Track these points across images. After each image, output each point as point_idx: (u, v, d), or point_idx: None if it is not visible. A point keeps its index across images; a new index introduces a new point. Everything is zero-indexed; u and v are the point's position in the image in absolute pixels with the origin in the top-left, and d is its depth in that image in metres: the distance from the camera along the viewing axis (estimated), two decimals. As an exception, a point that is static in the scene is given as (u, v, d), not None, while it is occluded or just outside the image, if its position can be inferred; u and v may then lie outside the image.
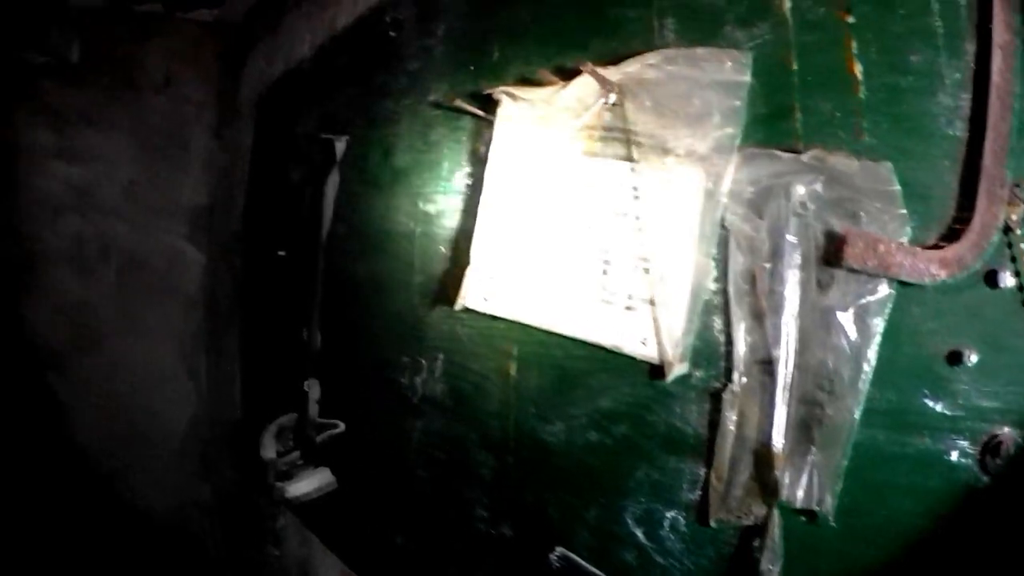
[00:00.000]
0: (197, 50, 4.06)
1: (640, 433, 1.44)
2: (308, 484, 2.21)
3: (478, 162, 1.74)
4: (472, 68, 1.82)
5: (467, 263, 1.66)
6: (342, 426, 2.25)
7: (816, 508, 1.16)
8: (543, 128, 1.53)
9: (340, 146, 2.27)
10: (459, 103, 1.71)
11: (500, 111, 1.59)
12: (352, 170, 2.28)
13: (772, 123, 1.24)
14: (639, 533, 1.44)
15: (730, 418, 1.29)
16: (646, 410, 1.43)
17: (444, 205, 1.86)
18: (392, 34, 2.15)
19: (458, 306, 1.63)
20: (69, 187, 3.83)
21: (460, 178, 1.82)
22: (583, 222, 1.48)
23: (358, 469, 2.23)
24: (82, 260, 3.86)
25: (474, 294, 1.63)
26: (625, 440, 1.47)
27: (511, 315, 1.59)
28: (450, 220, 1.84)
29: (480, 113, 1.69)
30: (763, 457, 1.24)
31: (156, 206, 3.99)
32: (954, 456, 1.03)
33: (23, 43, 3.70)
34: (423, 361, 1.95)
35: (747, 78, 1.27)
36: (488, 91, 1.61)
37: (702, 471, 1.34)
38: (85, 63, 3.82)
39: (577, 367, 1.55)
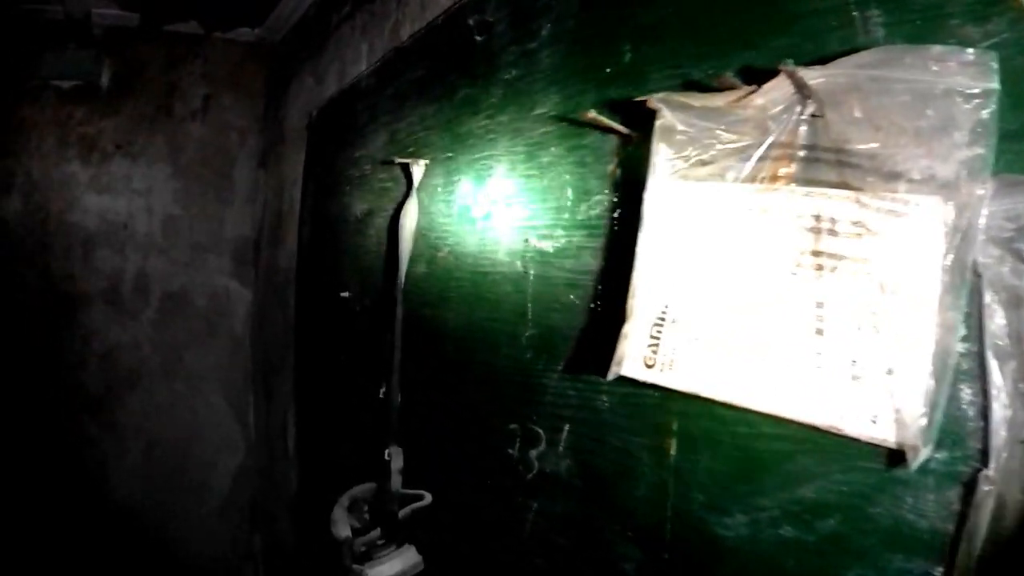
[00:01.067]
0: (237, 72, 3.78)
1: (855, 528, 1.12)
2: (391, 567, 1.88)
3: (614, 187, 1.42)
4: (594, 74, 1.48)
5: (610, 317, 1.33)
6: (429, 498, 1.92)
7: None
8: (719, 145, 1.20)
9: (418, 171, 1.95)
10: (596, 117, 1.37)
11: (659, 124, 1.25)
12: (434, 199, 1.95)
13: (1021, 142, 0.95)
14: None
15: (983, 510, 1.00)
16: (865, 501, 1.11)
17: (566, 242, 1.53)
18: (478, 38, 1.83)
19: (611, 375, 1.29)
20: (103, 221, 3.54)
21: (589, 208, 1.48)
22: (784, 267, 1.14)
23: (451, 550, 1.90)
24: (118, 299, 3.57)
25: (632, 359, 1.29)
26: (834, 537, 1.15)
27: (686, 387, 1.24)
28: (577, 261, 1.51)
29: (622, 129, 1.36)
30: (1026, 558, 0.93)
31: (197, 240, 3.70)
32: None
33: (49, 67, 3.43)
34: (540, 431, 1.62)
35: (996, 84, 0.95)
36: (640, 99, 1.26)
37: (938, 573, 1.03)
38: (117, 88, 3.56)
39: (770, 448, 1.22)
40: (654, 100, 1.23)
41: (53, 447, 3.49)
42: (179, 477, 3.74)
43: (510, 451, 1.68)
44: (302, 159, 3.06)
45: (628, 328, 1.26)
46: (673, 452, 1.35)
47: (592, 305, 1.47)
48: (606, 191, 1.45)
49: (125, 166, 3.61)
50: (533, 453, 1.62)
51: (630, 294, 1.26)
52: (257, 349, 3.66)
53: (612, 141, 1.44)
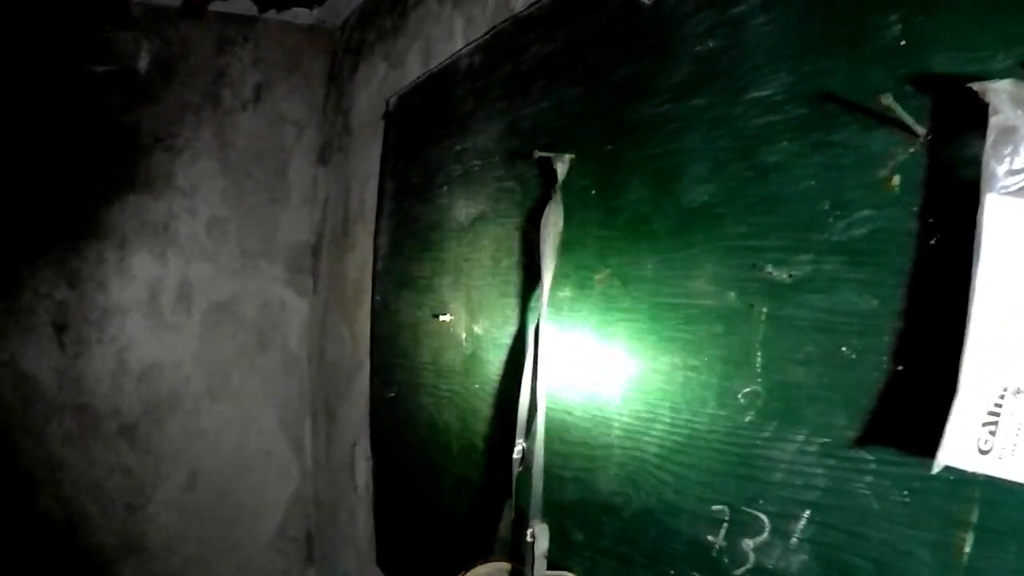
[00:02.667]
0: (294, 58, 3.38)
1: None
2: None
3: (893, 201, 1.00)
4: (844, 50, 1.08)
5: (889, 375, 0.94)
6: (576, 580, 1.52)
7: None
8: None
9: (562, 167, 1.54)
10: (891, 105, 0.94)
11: (995, 121, 0.83)
12: (584, 205, 1.54)
13: None
14: None
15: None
16: None
17: (812, 270, 1.11)
18: (645, 2, 1.42)
19: (937, 466, 0.88)
20: (141, 224, 3.13)
21: (850, 227, 1.07)
22: None
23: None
24: (157, 310, 3.17)
25: (963, 443, 0.88)
26: None
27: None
28: (830, 297, 1.09)
29: (915, 126, 0.95)
30: None
31: (247, 245, 3.30)
32: None
33: (82, 50, 3.03)
34: (762, 517, 1.20)
35: None
36: (971, 85, 0.85)
37: None
38: (158, 73, 3.16)
39: None
40: (990, 88, 0.82)
41: (83, 475, 3.10)
42: (225, 508, 3.35)
43: (710, 538, 1.27)
44: (375, 154, 2.65)
45: (960, 402, 0.86)
46: (967, 549, 0.95)
47: (854, 356, 1.06)
48: (878, 205, 1.03)
49: (166, 161, 3.20)
50: (748, 544, 1.21)
51: (966, 355, 0.85)
52: (316, 368, 3.25)
53: (881, 139, 1.03)
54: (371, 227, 2.60)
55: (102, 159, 3.12)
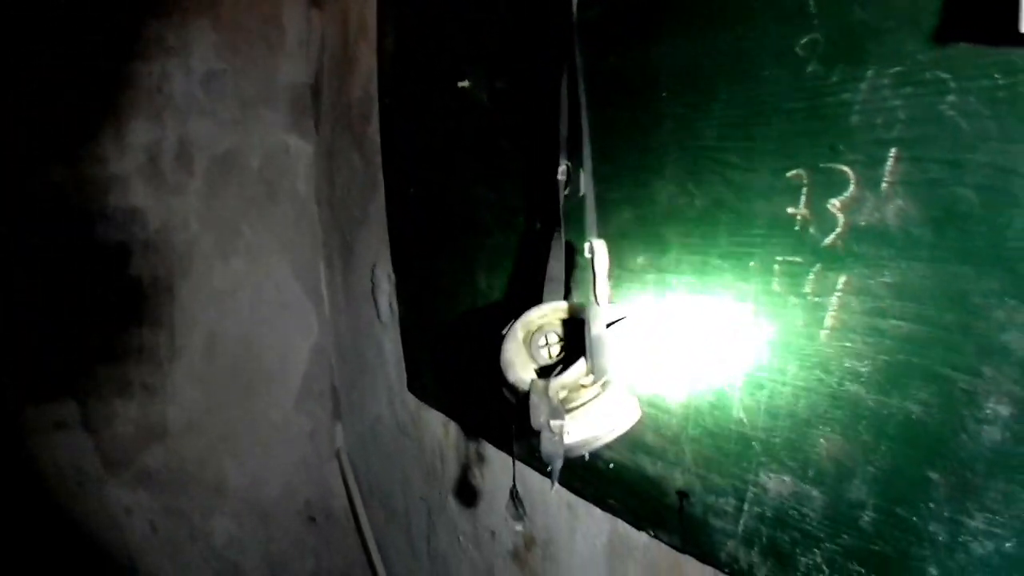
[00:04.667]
0: None
1: None
2: (604, 418, 1.30)
3: None
4: None
5: None
6: (630, 315, 1.38)
7: None
8: None
9: None
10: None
11: None
12: None
13: None
14: None
15: None
16: None
17: None
18: None
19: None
20: (133, 88, 2.95)
21: None
22: None
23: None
24: (158, 174, 3.01)
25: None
26: None
27: None
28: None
29: None
30: None
31: (246, 94, 3.13)
32: None
33: None
34: (844, 169, 1.09)
35: None
36: None
37: None
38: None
39: None
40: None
41: (97, 361, 2.98)
42: (246, 372, 3.24)
43: (790, 210, 1.13)
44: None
45: None
46: None
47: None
48: None
49: (153, 24, 3.01)
50: (834, 204, 1.07)
51: None
52: (326, 206, 3.11)
53: None
54: (373, 37, 2.43)
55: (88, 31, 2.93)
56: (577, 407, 1.30)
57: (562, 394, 1.30)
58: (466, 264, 1.96)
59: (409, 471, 2.64)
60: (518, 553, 2.04)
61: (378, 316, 2.66)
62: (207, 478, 3.27)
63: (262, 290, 3.29)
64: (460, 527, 2.34)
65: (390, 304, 2.53)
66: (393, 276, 2.45)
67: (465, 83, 1.85)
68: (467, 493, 2.25)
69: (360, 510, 3.26)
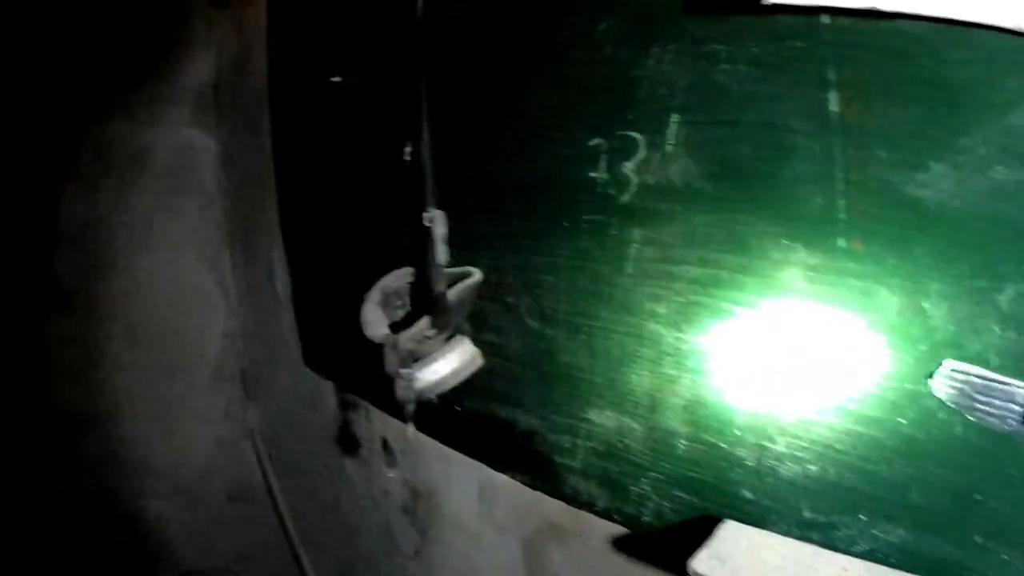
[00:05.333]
0: None
1: None
2: (447, 363, 1.50)
3: None
4: None
5: None
6: (478, 275, 1.54)
7: None
8: None
9: None
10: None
11: None
12: None
13: None
14: None
15: None
16: None
17: None
18: None
19: None
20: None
21: None
22: None
23: (516, 330, 1.53)
24: (76, 171, 3.08)
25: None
26: None
27: None
28: None
29: None
30: None
31: (155, 94, 3.20)
32: None
33: None
34: (636, 136, 1.24)
35: None
36: None
37: None
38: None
39: (963, 77, 0.94)
40: None
41: (24, 351, 3.06)
42: (165, 358, 3.32)
43: (593, 175, 1.29)
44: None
45: None
46: (835, 108, 0.98)
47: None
48: None
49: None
50: (628, 166, 1.23)
51: None
52: (229, 198, 3.22)
53: None
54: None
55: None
56: (424, 356, 1.46)
57: (410, 346, 1.46)
58: (344, 241, 2.10)
59: (313, 443, 2.76)
60: (407, 507, 2.19)
61: (276, 297, 2.78)
62: (134, 460, 3.35)
63: (175, 280, 3.38)
64: (359, 490, 2.48)
65: (285, 285, 2.66)
66: (285, 258, 2.58)
67: (337, 79, 1.98)
68: (361, 457, 2.39)
69: (275, 486, 3.37)
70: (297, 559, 3.23)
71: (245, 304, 3.16)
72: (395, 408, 1.72)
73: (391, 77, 1.74)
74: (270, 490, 3.35)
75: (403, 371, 1.45)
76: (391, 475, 2.08)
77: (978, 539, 1.02)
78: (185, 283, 3.38)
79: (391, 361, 1.45)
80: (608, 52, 1.26)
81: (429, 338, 1.51)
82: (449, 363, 1.49)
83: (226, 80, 3.06)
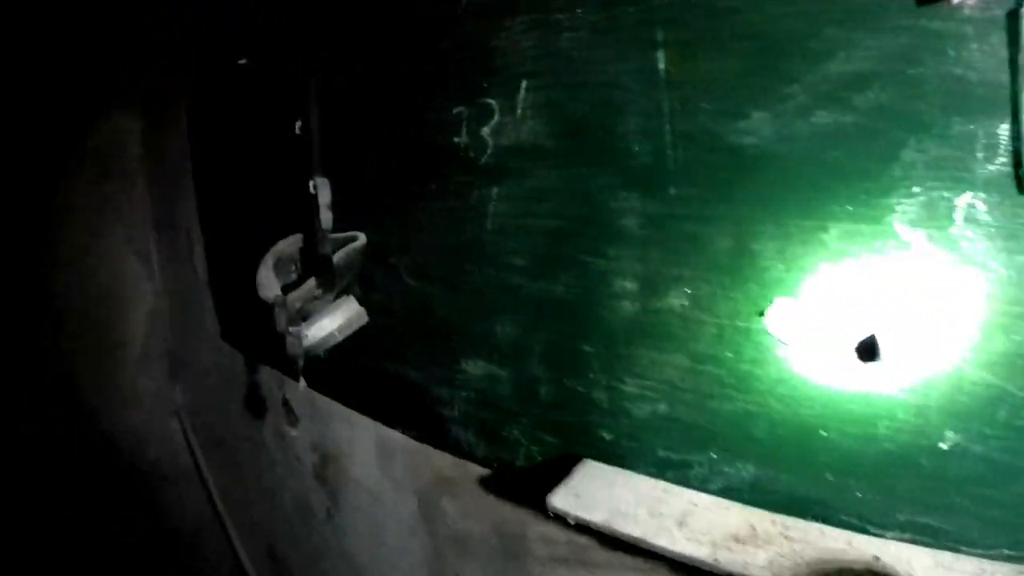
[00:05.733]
0: None
1: (902, 96, 0.95)
2: (332, 321, 1.60)
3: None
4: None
5: None
6: (363, 238, 1.62)
7: None
8: None
9: None
10: None
11: None
12: None
13: None
14: (917, 241, 0.98)
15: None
16: (908, 62, 0.93)
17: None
18: None
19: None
20: None
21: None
22: None
23: (400, 289, 1.62)
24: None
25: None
26: (879, 111, 0.97)
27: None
28: None
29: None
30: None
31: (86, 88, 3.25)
32: None
33: None
34: (491, 102, 1.34)
35: None
36: None
37: (1004, 127, 0.89)
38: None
39: (786, 28, 1.01)
40: None
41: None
42: (95, 341, 3.37)
43: (457, 140, 1.39)
44: None
45: None
46: (663, 65, 1.08)
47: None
48: None
49: None
50: (485, 130, 1.33)
51: None
52: (154, 183, 3.26)
53: None
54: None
55: None
56: (312, 315, 1.55)
57: (298, 305, 1.55)
58: (245, 216, 2.18)
59: (234, 416, 2.83)
60: (318, 472, 2.27)
61: (196, 276, 2.84)
62: (72, 443, 3.39)
63: (112, 269, 3.42)
64: (276, 459, 2.55)
65: (203, 263, 2.72)
66: (201, 237, 2.64)
67: (243, 61, 2.05)
68: (275, 425, 2.46)
69: (202, 463, 3.42)
70: (228, 537, 3.29)
71: (169, 285, 3.21)
72: (289, 366, 1.81)
73: (285, 60, 1.82)
74: (198, 468, 3.40)
75: (292, 329, 1.54)
76: (294, 433, 2.16)
77: (829, 476, 1.11)
78: (113, 267, 3.42)
79: (281, 320, 1.55)
80: (469, 27, 1.35)
81: (317, 298, 1.60)
82: (334, 320, 1.59)
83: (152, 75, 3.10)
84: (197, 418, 3.26)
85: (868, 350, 1.02)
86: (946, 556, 1.04)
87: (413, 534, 1.94)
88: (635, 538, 1.16)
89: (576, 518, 1.22)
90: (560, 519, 1.24)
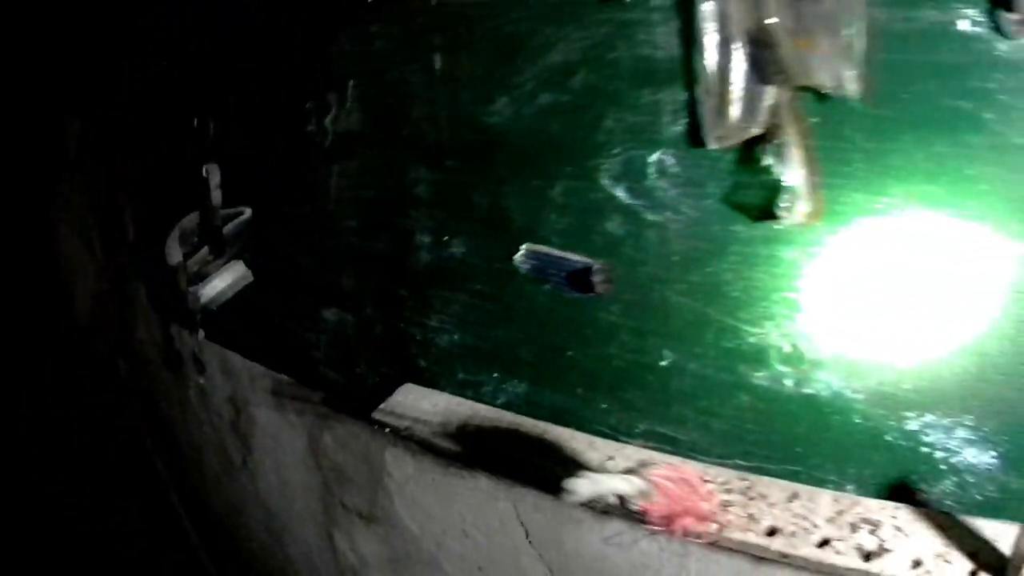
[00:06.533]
0: None
1: (603, 76, 1.23)
2: (222, 280, 1.95)
3: None
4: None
5: None
6: (248, 211, 1.96)
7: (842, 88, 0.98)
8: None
9: None
10: None
11: None
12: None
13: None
14: (621, 193, 1.25)
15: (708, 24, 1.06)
16: (606, 48, 1.21)
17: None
18: None
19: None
20: None
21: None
22: None
23: (277, 254, 1.96)
24: None
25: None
26: (586, 90, 1.26)
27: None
28: None
29: None
30: (761, 40, 1.02)
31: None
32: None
33: None
34: (330, 97, 1.67)
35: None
36: None
37: (684, 94, 1.14)
38: None
39: (516, 31, 1.32)
40: None
41: None
42: (59, 325, 3.65)
43: (310, 128, 1.73)
44: None
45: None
46: (439, 64, 1.43)
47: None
48: None
49: None
50: (327, 120, 1.67)
51: None
52: (96, 173, 3.55)
53: None
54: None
55: None
56: (207, 275, 1.91)
57: (195, 268, 1.90)
58: (168, 199, 2.50)
59: (168, 383, 3.12)
60: (234, 423, 2.58)
61: (131, 254, 3.14)
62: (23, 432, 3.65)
63: (63, 254, 3.70)
64: (202, 418, 2.84)
65: (136, 241, 3.03)
66: (134, 217, 2.96)
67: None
68: (198, 386, 2.76)
69: (148, 437, 3.67)
70: (174, 508, 3.55)
71: (111, 266, 3.49)
72: (191, 321, 2.14)
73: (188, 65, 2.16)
74: (146, 442, 3.65)
75: (191, 288, 1.88)
76: (200, 380, 2.47)
77: (580, 390, 1.42)
78: (71, 258, 3.69)
79: (181, 281, 1.89)
80: (316, 36, 1.70)
81: (210, 263, 1.94)
82: (224, 280, 1.95)
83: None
84: (140, 391, 3.52)
85: (582, 281, 1.34)
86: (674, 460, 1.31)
87: (306, 470, 2.25)
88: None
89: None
90: (404, 439, 1.58)
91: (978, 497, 1.09)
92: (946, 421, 1.10)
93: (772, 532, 1.22)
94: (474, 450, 1.50)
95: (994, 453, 1.07)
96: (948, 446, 1.11)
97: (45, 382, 3.60)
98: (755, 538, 1.22)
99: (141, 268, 2.89)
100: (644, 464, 1.25)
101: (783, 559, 1.19)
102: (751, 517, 1.24)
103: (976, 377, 1.05)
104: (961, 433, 1.09)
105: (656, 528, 1.22)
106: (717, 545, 1.23)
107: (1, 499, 3.31)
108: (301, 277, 1.91)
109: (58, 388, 3.58)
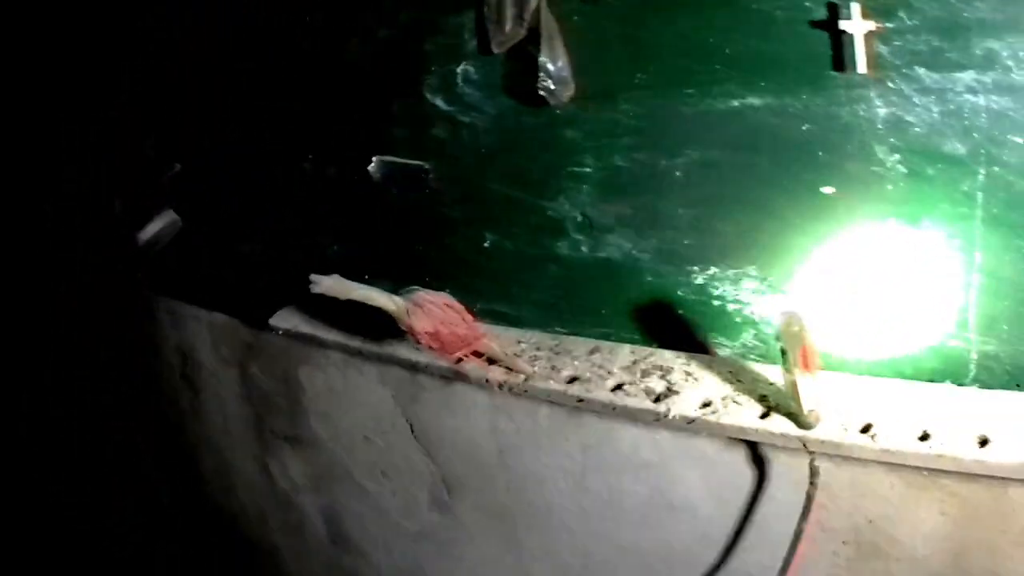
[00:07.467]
0: None
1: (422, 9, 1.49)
2: (155, 224, 2.19)
3: None
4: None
5: None
6: (178, 167, 2.21)
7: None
8: None
9: None
10: None
11: None
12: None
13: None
14: (440, 102, 1.48)
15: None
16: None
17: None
18: None
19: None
20: None
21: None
22: None
23: (209, 199, 2.22)
24: None
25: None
26: (411, 23, 1.52)
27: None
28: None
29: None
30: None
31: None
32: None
33: None
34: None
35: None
36: None
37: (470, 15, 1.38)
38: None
39: None
40: None
41: None
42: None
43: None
44: None
45: None
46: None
47: None
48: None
49: None
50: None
51: None
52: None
53: None
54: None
55: None
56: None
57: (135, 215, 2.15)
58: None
59: (134, 341, 3.26)
60: (182, 370, 2.74)
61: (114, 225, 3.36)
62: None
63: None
64: (156, 370, 2.92)
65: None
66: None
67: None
68: (152, 337, 2.93)
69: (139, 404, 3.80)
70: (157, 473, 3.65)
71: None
72: (134, 266, 2.36)
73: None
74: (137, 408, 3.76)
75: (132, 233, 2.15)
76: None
77: (427, 279, 1.56)
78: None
79: (124, 227, 2.16)
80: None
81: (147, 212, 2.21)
82: (156, 225, 2.19)
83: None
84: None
85: (418, 182, 1.59)
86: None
87: (240, 403, 2.41)
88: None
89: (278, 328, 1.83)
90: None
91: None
92: (730, 273, 1.26)
93: (572, 380, 1.41)
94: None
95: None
96: (738, 298, 1.27)
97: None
98: (555, 385, 1.41)
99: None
100: (410, 289, 1.44)
101: (579, 403, 1.38)
102: (554, 368, 1.44)
103: (753, 227, 1.22)
104: (748, 284, 1.25)
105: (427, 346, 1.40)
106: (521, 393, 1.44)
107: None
108: (219, 223, 2.17)
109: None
